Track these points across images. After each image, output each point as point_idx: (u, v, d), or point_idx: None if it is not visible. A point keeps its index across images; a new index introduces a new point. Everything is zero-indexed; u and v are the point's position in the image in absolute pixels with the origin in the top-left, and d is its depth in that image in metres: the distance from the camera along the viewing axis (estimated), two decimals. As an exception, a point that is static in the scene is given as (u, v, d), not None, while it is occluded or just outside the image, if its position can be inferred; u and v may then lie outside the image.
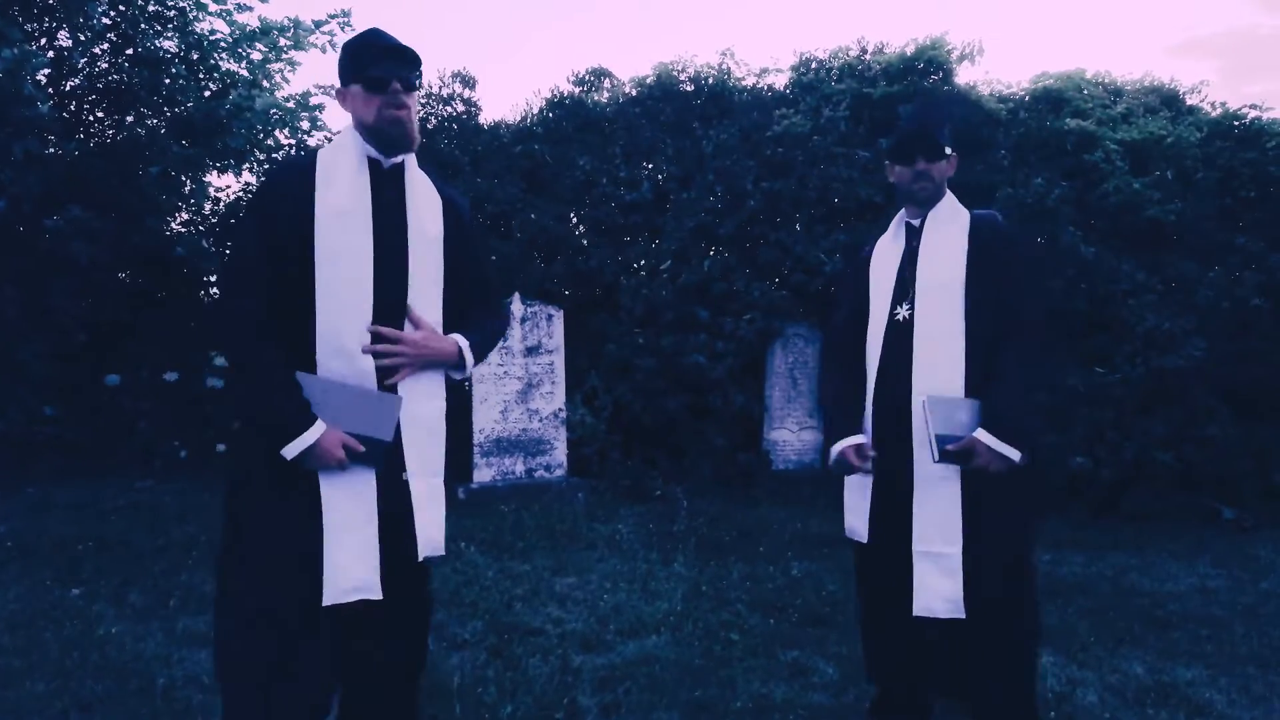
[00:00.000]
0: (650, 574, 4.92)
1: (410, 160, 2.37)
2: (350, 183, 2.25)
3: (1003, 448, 2.50)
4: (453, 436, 2.47)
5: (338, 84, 2.37)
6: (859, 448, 2.74)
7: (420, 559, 2.29)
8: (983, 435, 2.52)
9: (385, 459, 2.23)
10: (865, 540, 2.78)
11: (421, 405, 2.33)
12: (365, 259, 2.21)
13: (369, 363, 2.22)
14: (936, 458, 2.54)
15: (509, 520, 6.00)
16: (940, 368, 2.61)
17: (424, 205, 2.37)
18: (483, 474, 6.92)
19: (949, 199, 2.77)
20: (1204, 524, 6.50)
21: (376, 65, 2.26)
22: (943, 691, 2.86)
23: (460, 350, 2.35)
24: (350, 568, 2.17)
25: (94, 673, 3.53)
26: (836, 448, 2.78)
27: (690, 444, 7.45)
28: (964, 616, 2.56)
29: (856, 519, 2.81)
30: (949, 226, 2.71)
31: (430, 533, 2.32)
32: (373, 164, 2.31)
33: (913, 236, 2.77)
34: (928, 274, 2.67)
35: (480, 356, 2.44)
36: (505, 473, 6.97)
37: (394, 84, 2.24)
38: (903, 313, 2.69)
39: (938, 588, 2.58)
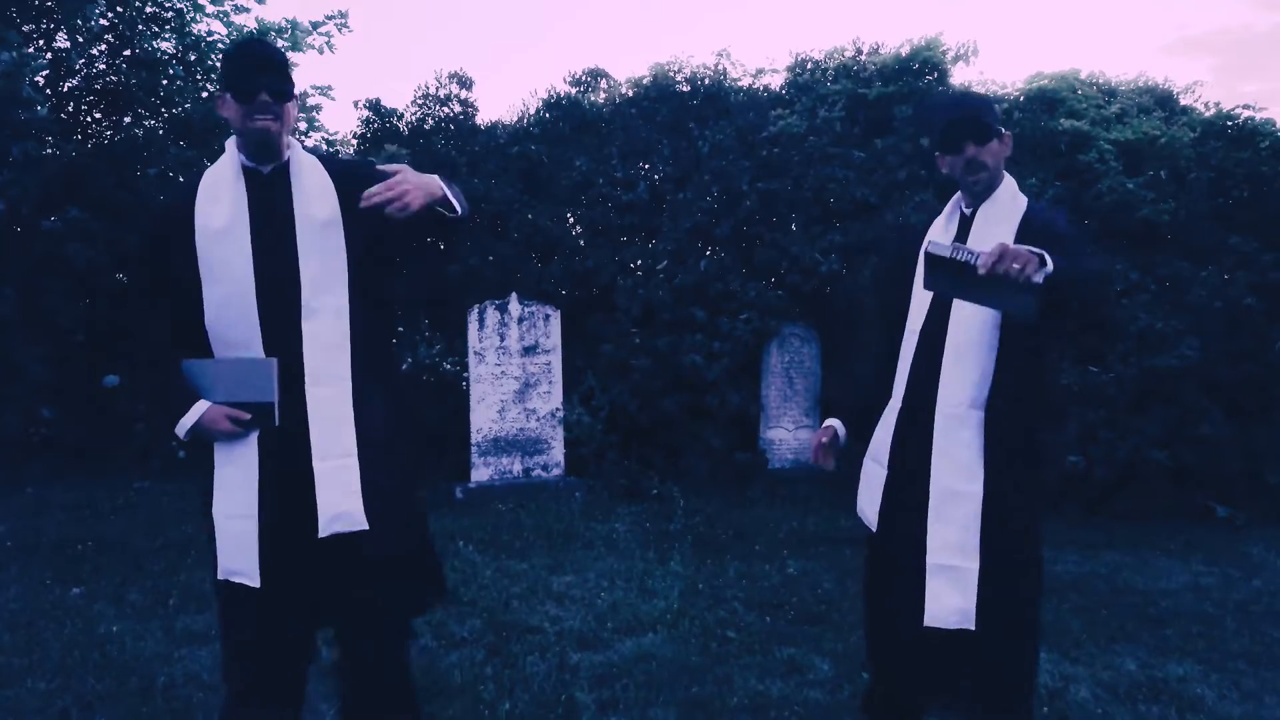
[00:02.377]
0: (647, 572, 4.96)
1: (295, 158, 2.38)
2: (228, 198, 2.31)
3: (1034, 249, 2.10)
4: (388, 410, 2.49)
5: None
6: (826, 442, 2.79)
7: (322, 534, 2.29)
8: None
9: (274, 418, 2.30)
10: (874, 528, 2.69)
11: (321, 388, 2.35)
12: (245, 272, 2.27)
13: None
14: (925, 284, 2.27)
15: (506, 519, 6.02)
16: (965, 374, 2.49)
17: (313, 195, 2.37)
18: (480, 473, 6.95)
19: (1007, 186, 2.58)
20: (1197, 522, 6.54)
21: (244, 74, 2.28)
22: (937, 692, 2.84)
23: (441, 184, 2.28)
24: (232, 554, 2.28)
25: (95, 671, 3.56)
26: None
27: (687, 443, 7.48)
28: (973, 628, 2.48)
29: (868, 506, 2.72)
30: (1000, 223, 2.53)
31: (335, 509, 2.31)
32: (251, 173, 2.35)
33: (964, 226, 2.61)
34: None
35: (461, 202, 2.36)
36: (502, 472, 7.00)
37: (261, 94, 2.26)
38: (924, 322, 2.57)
39: (950, 601, 2.49)
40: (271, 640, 2.36)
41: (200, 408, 2.29)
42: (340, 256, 2.36)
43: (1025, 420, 2.52)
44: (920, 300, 2.63)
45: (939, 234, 2.67)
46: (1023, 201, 2.59)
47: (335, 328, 2.36)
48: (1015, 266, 2.05)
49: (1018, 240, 2.45)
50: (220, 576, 2.31)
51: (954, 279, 2.18)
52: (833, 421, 2.86)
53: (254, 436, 2.31)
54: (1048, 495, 2.61)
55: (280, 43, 8.34)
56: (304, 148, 2.47)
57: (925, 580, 2.51)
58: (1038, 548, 2.61)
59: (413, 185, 2.16)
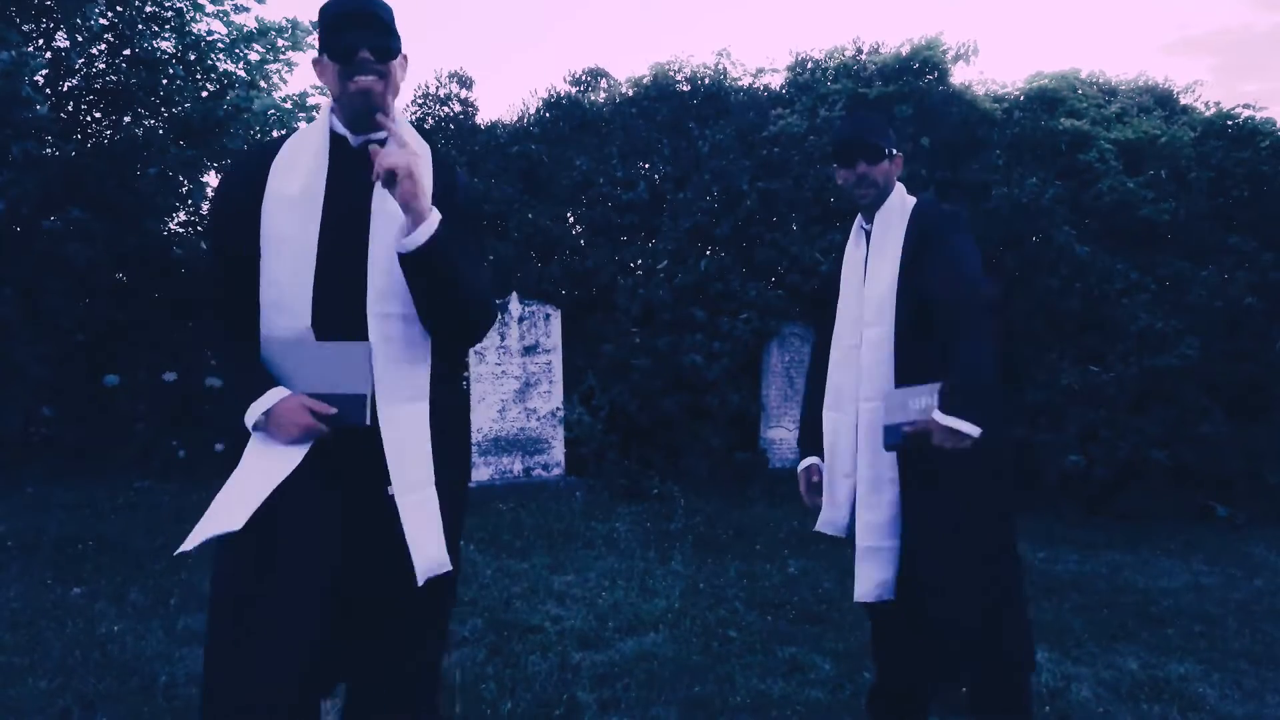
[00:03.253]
0: (648, 572, 4.95)
1: (397, 130, 2.00)
2: (306, 164, 2.04)
3: (958, 424, 2.41)
4: (457, 435, 2.23)
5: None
6: (816, 481, 2.93)
7: (421, 583, 2.00)
8: (937, 415, 2.45)
9: (365, 416, 1.98)
10: (842, 534, 2.83)
11: (399, 407, 2.03)
12: (307, 249, 2.00)
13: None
14: (885, 445, 2.56)
15: (507, 519, 6.02)
16: (875, 364, 2.65)
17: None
18: (480, 473, 6.95)
19: (898, 193, 2.77)
20: (1197, 522, 6.54)
21: (341, 32, 2.00)
22: (936, 677, 2.88)
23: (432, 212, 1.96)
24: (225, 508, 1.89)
25: (96, 670, 3.55)
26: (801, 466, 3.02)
27: (687, 443, 7.48)
28: (892, 597, 2.67)
29: (840, 516, 2.84)
30: (893, 219, 2.73)
31: (429, 552, 2.01)
32: (339, 142, 2.08)
33: (868, 239, 2.77)
34: (874, 278, 2.69)
35: (451, 266, 1.99)
36: (503, 471, 7.00)
37: (362, 52, 1.98)
38: (860, 331, 2.72)
39: (873, 575, 2.68)
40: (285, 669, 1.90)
41: (277, 393, 1.97)
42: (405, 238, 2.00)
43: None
44: (847, 313, 2.78)
45: (851, 254, 2.85)
46: (910, 201, 2.78)
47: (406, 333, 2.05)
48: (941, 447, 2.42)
49: (907, 236, 2.69)
50: (191, 542, 1.83)
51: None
52: (811, 461, 2.99)
53: (303, 449, 1.97)
54: (1004, 470, 2.71)
55: (280, 42, 8.34)
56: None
57: (856, 563, 2.71)
58: (1000, 527, 2.70)
59: (391, 154, 1.90)
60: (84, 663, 3.61)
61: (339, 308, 2.00)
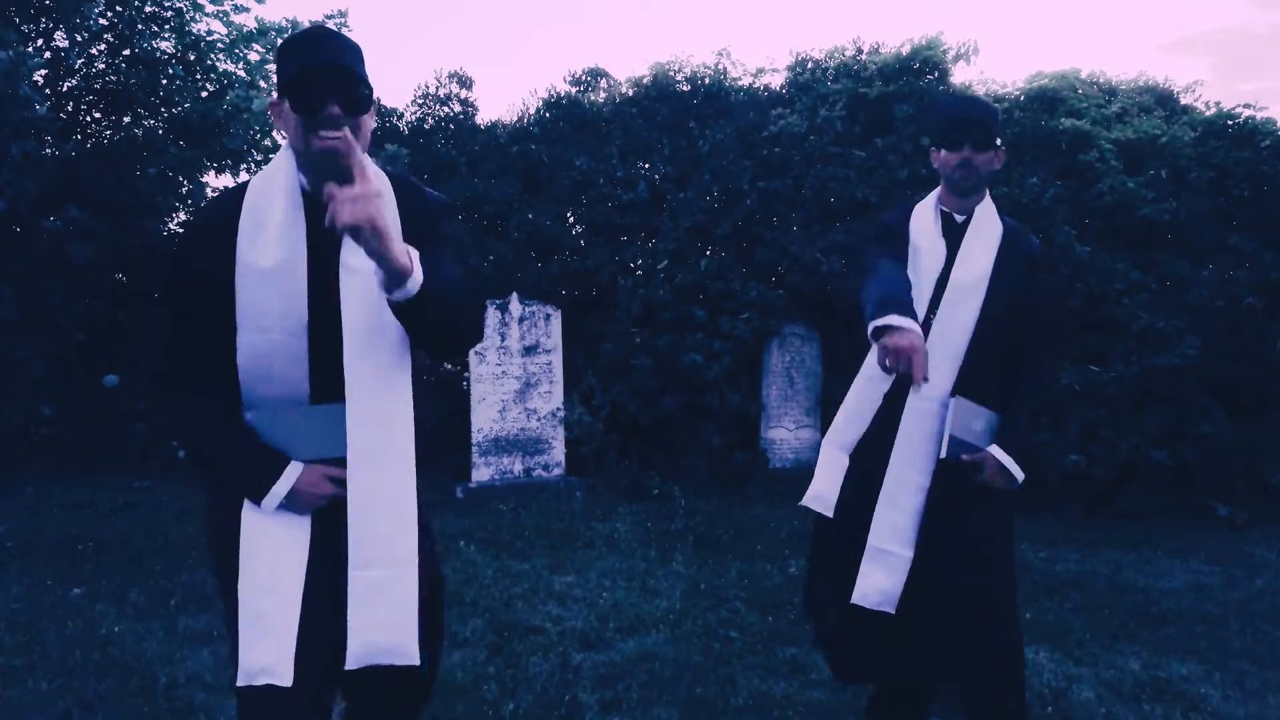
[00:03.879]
0: (649, 572, 4.95)
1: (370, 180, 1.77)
2: (281, 232, 1.83)
3: (1012, 467, 2.55)
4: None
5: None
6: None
7: (347, 667, 1.85)
8: (997, 451, 2.57)
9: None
10: (829, 514, 2.77)
11: (367, 477, 1.87)
12: (298, 320, 1.84)
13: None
14: (943, 454, 2.57)
15: (507, 519, 6.02)
16: (939, 375, 2.60)
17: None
18: (481, 473, 6.94)
19: (987, 202, 2.74)
20: (1198, 521, 6.53)
21: (306, 78, 1.76)
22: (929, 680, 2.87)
23: (410, 256, 1.75)
24: (261, 646, 1.80)
25: (96, 671, 3.55)
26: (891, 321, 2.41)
27: (687, 443, 7.47)
28: (893, 611, 2.61)
29: (827, 490, 2.78)
30: (986, 235, 2.69)
31: (369, 635, 1.85)
32: (310, 198, 1.88)
33: (952, 235, 2.71)
34: (959, 281, 2.65)
35: (440, 307, 1.84)
36: (503, 472, 6.99)
37: (330, 108, 1.75)
38: (928, 319, 2.66)
39: (877, 582, 2.62)
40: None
41: (295, 471, 1.85)
42: (383, 308, 1.84)
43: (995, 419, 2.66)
44: (918, 296, 2.68)
45: (928, 228, 2.75)
46: (998, 225, 2.73)
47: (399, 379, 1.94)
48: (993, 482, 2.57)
49: (999, 258, 2.66)
50: (242, 681, 1.78)
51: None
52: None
53: (308, 521, 1.90)
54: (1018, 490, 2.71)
55: (280, 42, 8.33)
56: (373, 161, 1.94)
57: (861, 561, 2.63)
58: (1006, 537, 2.72)
59: (348, 202, 1.63)
60: (84, 664, 3.61)
61: (332, 371, 1.87)
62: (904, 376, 2.34)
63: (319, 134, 1.77)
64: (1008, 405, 2.63)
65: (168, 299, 1.94)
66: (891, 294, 2.44)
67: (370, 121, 1.87)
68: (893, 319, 2.35)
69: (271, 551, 1.85)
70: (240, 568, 1.83)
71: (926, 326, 2.63)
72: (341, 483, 1.87)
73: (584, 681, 3.52)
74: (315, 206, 1.84)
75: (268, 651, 1.78)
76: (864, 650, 2.76)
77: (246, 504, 1.87)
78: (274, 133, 8.66)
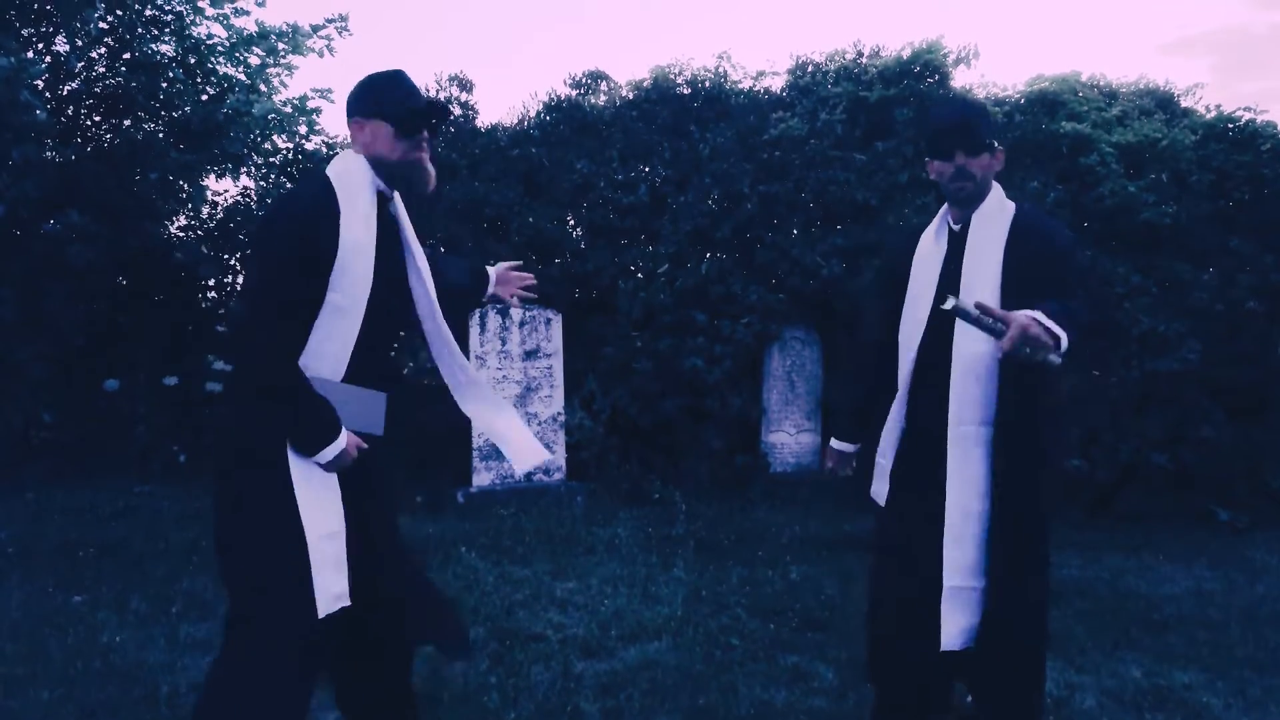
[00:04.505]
0: (650, 578, 4.95)
1: (397, 195, 2.50)
2: (365, 215, 2.33)
3: (1051, 325, 2.21)
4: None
5: (355, 114, 2.40)
6: (839, 458, 3.06)
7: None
8: (1036, 314, 2.24)
9: (379, 452, 2.44)
10: (883, 503, 2.81)
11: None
12: (363, 291, 2.30)
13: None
14: (971, 310, 2.24)
15: (508, 524, 6.01)
16: (975, 393, 2.55)
17: (412, 234, 2.53)
18: (481, 478, 6.94)
19: (995, 195, 2.63)
20: (1199, 525, 6.54)
21: (418, 112, 2.37)
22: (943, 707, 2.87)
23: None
24: (331, 577, 2.26)
25: (98, 680, 3.54)
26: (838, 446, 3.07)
27: (688, 447, 7.47)
28: (974, 647, 2.57)
29: (878, 483, 2.86)
30: (992, 229, 2.59)
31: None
32: (380, 197, 2.42)
33: (955, 242, 2.66)
34: (969, 284, 2.56)
35: None
36: (504, 476, 6.99)
37: (425, 133, 2.38)
38: (952, 301, 2.60)
39: (961, 622, 2.57)
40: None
41: (345, 435, 2.29)
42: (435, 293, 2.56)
43: (1031, 431, 2.58)
44: (914, 318, 2.67)
45: (929, 251, 2.73)
46: (1010, 207, 2.64)
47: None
48: (1028, 350, 2.20)
49: (1009, 247, 2.55)
50: (323, 609, 2.22)
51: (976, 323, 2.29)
52: (850, 449, 3.05)
53: (337, 490, 2.32)
54: (1052, 499, 2.67)
55: (281, 46, 8.32)
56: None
57: (940, 603, 2.56)
58: (1046, 553, 2.67)
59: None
60: (86, 672, 3.61)
61: (372, 356, 2.39)
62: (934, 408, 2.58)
63: (416, 153, 2.38)
64: (1043, 417, 2.57)
65: (281, 278, 2.25)
66: (844, 407, 3.08)
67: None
68: (833, 442, 3.07)
69: (328, 505, 2.29)
70: (304, 520, 2.23)
71: (949, 346, 2.58)
72: (360, 453, 2.34)
73: (586, 690, 3.51)
74: (382, 203, 2.42)
75: (340, 581, 2.26)
76: (903, 655, 2.75)
77: (294, 467, 2.25)
78: (274, 136, 8.66)
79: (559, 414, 7.12)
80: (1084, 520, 6.53)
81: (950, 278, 2.64)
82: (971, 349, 2.54)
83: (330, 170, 2.38)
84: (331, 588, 2.24)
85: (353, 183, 2.35)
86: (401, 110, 2.36)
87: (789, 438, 7.54)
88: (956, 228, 2.68)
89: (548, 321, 7.13)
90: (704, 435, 7.44)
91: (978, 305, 2.23)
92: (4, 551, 5.26)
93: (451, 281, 2.79)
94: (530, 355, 7.07)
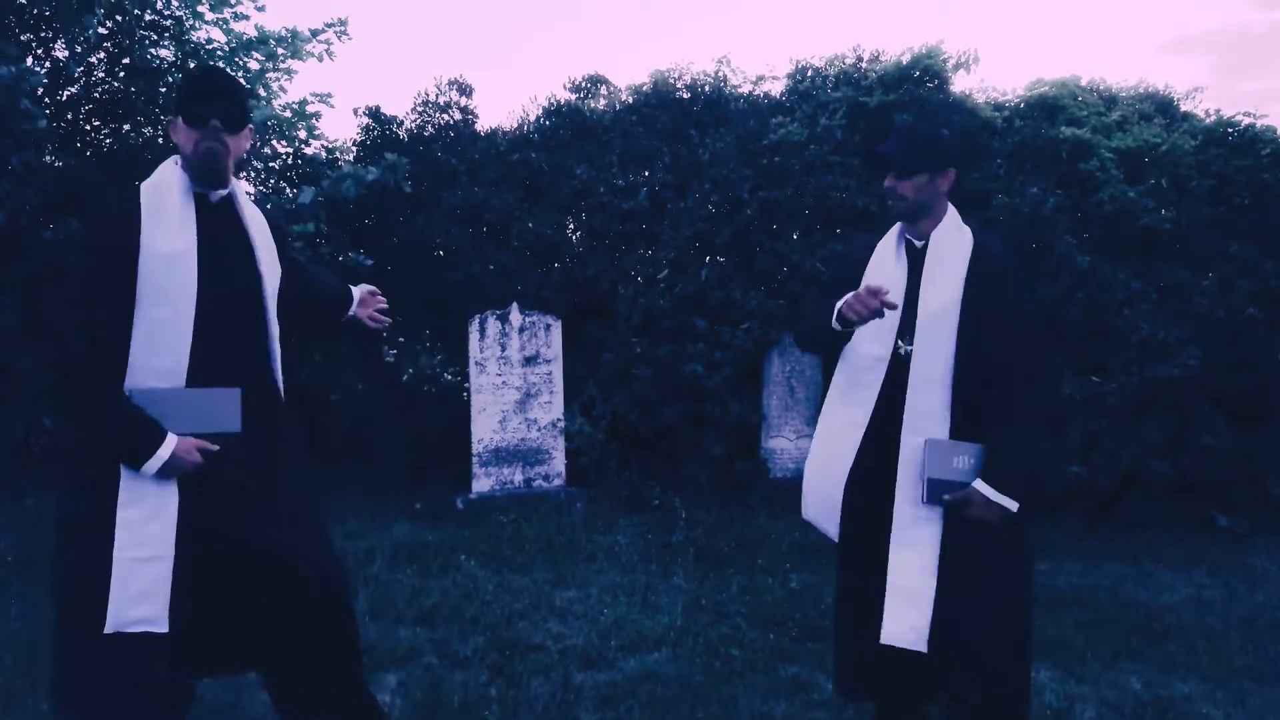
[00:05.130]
0: (650, 587, 4.95)
1: (237, 190, 2.48)
2: (177, 221, 2.31)
3: (1000, 499, 2.51)
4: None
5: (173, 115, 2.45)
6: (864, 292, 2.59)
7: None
8: (981, 486, 2.53)
9: (242, 447, 2.36)
10: (835, 538, 2.85)
11: (276, 416, 2.58)
12: (188, 298, 2.28)
13: None
14: (924, 499, 2.57)
15: (508, 531, 6.01)
16: (928, 405, 2.61)
17: (258, 226, 2.50)
18: (481, 484, 6.94)
19: (950, 220, 2.70)
20: (1199, 532, 6.54)
21: (198, 101, 2.33)
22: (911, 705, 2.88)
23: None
24: (134, 600, 2.23)
25: (97, 692, 3.53)
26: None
27: (688, 453, 7.46)
28: (925, 650, 2.58)
29: (825, 518, 2.89)
30: (950, 256, 2.66)
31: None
32: (199, 198, 2.40)
33: (915, 260, 2.71)
34: (928, 308, 2.63)
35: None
36: (504, 482, 6.99)
37: (213, 120, 2.31)
38: (904, 347, 2.67)
39: (906, 620, 2.60)
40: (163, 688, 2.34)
41: (172, 441, 2.26)
42: (275, 288, 2.52)
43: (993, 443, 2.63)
44: (882, 325, 2.68)
45: (890, 263, 2.77)
46: (968, 232, 2.71)
47: (278, 356, 2.52)
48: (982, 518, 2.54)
49: (969, 279, 2.63)
50: (111, 627, 2.21)
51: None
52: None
53: (174, 487, 2.31)
54: (1028, 509, 2.68)
55: (280, 51, 8.31)
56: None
57: (884, 602, 2.63)
58: (1020, 563, 2.69)
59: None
60: (85, 684, 3.60)
61: (216, 347, 2.33)
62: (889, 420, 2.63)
63: (204, 142, 2.31)
64: (993, 433, 2.60)
65: (80, 288, 2.32)
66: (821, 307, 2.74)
67: (245, 142, 2.43)
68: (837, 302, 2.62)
69: (153, 527, 2.25)
70: (116, 541, 2.22)
71: (906, 358, 2.64)
72: (208, 455, 2.29)
73: (585, 702, 3.51)
74: (203, 205, 2.39)
75: (146, 605, 2.21)
76: (874, 670, 2.77)
77: (124, 479, 2.24)
78: (273, 141, 8.65)
79: (559, 420, 7.12)
80: (1084, 528, 6.53)
81: (911, 291, 2.69)
82: (929, 364, 2.61)
83: (146, 182, 2.39)
84: (129, 611, 2.21)
85: (161, 191, 2.34)
86: (182, 96, 2.38)
87: (789, 443, 7.54)
88: (919, 244, 2.74)
89: (547, 327, 7.13)
90: (704, 441, 7.44)
91: (944, 499, 2.55)
92: (3, 560, 5.25)
93: (318, 290, 2.81)
94: (530, 361, 7.07)
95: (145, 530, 2.24)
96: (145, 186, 2.34)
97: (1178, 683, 3.84)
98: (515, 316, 7.01)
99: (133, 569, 2.21)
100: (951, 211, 2.72)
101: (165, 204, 2.31)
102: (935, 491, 2.56)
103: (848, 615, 2.86)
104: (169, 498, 2.28)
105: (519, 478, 7.03)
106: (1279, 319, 7.08)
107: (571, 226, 8.39)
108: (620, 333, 7.62)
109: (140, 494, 2.25)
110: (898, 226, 2.81)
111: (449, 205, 7.96)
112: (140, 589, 2.21)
